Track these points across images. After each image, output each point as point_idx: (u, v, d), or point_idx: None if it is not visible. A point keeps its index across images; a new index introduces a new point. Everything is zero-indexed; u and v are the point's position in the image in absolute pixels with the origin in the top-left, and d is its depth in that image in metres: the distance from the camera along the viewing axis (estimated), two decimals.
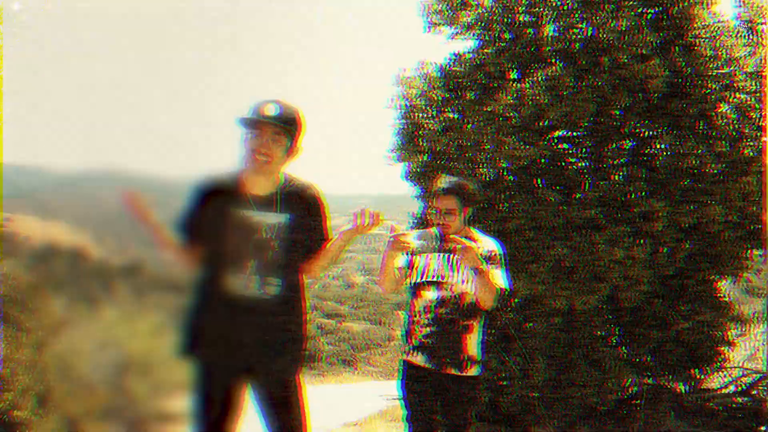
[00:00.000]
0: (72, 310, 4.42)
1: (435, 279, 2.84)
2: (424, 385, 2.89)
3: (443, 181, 2.89)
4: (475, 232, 2.91)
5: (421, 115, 4.09)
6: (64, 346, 4.14)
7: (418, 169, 4.07)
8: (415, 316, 2.88)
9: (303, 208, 2.22)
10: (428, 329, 2.82)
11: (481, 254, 2.75)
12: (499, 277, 2.79)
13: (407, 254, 2.89)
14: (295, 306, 2.26)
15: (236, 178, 2.16)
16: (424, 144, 4.05)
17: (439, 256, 2.87)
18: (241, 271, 2.15)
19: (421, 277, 2.85)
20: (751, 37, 3.96)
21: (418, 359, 2.88)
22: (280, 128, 2.05)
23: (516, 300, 4.10)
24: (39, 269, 4.16)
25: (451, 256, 2.85)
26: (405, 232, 2.65)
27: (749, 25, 3.97)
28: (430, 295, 2.84)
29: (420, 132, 4.07)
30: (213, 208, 2.17)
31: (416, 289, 2.88)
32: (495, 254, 2.84)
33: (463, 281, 2.81)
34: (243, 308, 2.17)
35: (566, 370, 3.95)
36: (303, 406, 2.25)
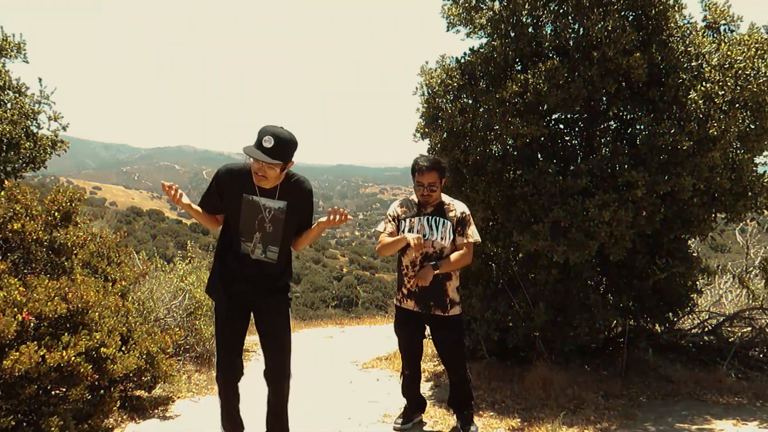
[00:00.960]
0: (150, 263, 4.91)
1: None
2: (412, 324, 3.37)
3: (424, 160, 3.25)
4: (447, 198, 3.35)
5: (441, 100, 4.36)
6: (144, 294, 4.63)
7: (438, 145, 4.41)
8: (405, 269, 3.31)
9: (298, 197, 2.78)
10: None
11: (455, 217, 3.25)
12: (472, 233, 3.26)
13: (395, 220, 3.31)
14: (286, 268, 2.87)
15: (249, 171, 2.69)
16: (444, 124, 4.34)
17: (419, 219, 3.29)
18: (250, 240, 2.74)
19: None
20: (714, 35, 4.21)
21: (409, 305, 3.32)
22: (271, 161, 2.54)
23: (521, 255, 4.54)
24: (123, 229, 4.58)
25: (430, 218, 3.29)
26: (416, 236, 3.11)
27: (713, 25, 4.22)
28: (416, 251, 3.22)
29: (440, 114, 4.35)
30: (230, 190, 2.72)
31: (404, 248, 3.27)
32: (466, 215, 3.29)
33: (441, 238, 3.24)
34: (250, 265, 2.75)
35: (562, 313, 4.33)
36: (288, 336, 2.87)
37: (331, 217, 2.69)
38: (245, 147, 2.57)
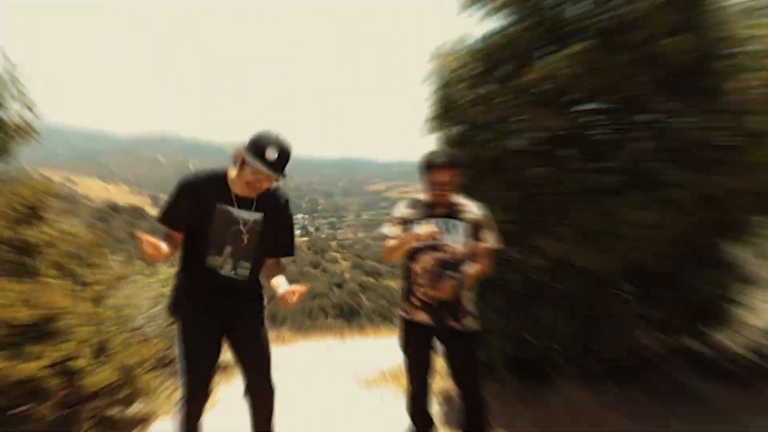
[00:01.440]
0: (129, 266, 4.59)
1: (432, 243, 2.88)
2: (422, 339, 2.97)
3: (440, 156, 2.89)
4: (461, 198, 3.02)
5: (453, 89, 4.09)
6: (121, 300, 4.35)
7: (449, 139, 4.13)
8: (415, 277, 2.94)
9: (274, 207, 2.57)
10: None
11: (472, 219, 2.94)
12: (493, 239, 2.95)
13: (403, 223, 2.96)
14: (257, 284, 2.64)
15: (223, 177, 2.48)
16: (456, 116, 4.08)
17: (430, 221, 2.91)
18: (220, 254, 2.50)
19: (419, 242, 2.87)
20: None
21: (420, 317, 2.94)
22: (277, 175, 2.34)
23: (543, 261, 4.11)
24: (99, 227, 4.29)
25: (442, 220, 2.93)
26: (429, 232, 2.78)
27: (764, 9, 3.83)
28: (429, 257, 2.90)
29: (452, 105, 4.09)
30: (201, 199, 2.46)
31: (414, 253, 2.93)
32: (485, 218, 2.98)
33: (457, 242, 2.90)
34: (219, 282, 2.51)
35: (587, 326, 4.02)
36: (269, 345, 2.66)
37: (287, 299, 2.38)
38: (248, 156, 2.35)
